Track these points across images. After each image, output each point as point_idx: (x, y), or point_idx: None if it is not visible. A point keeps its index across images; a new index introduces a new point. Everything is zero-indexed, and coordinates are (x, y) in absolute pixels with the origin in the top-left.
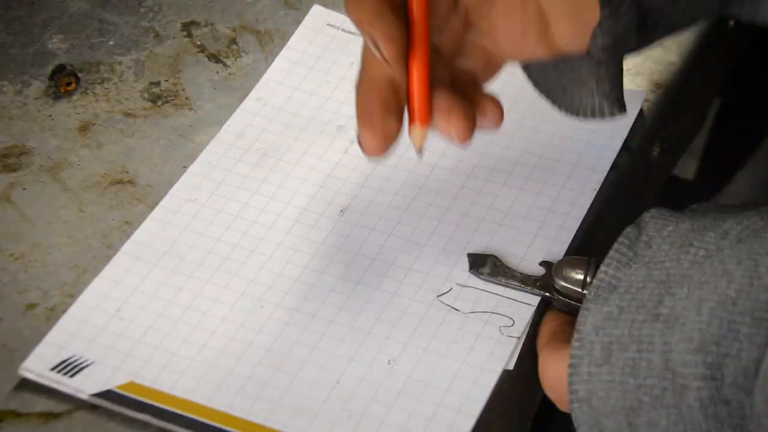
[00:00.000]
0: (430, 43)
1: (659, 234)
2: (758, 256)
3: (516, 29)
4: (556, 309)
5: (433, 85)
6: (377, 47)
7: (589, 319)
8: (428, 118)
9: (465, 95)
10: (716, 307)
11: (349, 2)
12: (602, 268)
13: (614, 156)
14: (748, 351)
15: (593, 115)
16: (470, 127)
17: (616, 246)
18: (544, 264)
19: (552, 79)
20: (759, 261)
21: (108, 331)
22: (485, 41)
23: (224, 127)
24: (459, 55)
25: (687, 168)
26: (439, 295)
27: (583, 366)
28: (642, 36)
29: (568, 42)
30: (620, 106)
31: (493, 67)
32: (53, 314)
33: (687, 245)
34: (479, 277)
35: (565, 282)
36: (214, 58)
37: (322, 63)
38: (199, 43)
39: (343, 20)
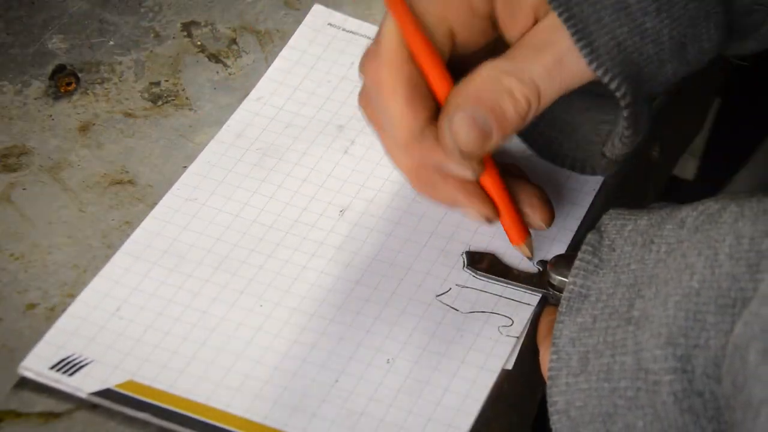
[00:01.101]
0: None
1: (620, 235)
2: (716, 243)
3: None
4: (554, 304)
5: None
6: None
7: (564, 331)
8: (524, 236)
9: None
10: (681, 300)
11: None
12: (570, 278)
13: None
14: (715, 339)
15: (572, 167)
16: (552, 213)
17: (580, 254)
18: (541, 263)
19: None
20: (718, 249)
21: (107, 330)
22: None
23: (224, 126)
24: None
25: (687, 168)
26: (438, 295)
27: (561, 377)
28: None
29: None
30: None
31: None
32: (53, 314)
33: (649, 243)
34: (476, 275)
35: (561, 277)
36: (214, 58)
37: (322, 63)
38: (199, 43)
39: (344, 20)
